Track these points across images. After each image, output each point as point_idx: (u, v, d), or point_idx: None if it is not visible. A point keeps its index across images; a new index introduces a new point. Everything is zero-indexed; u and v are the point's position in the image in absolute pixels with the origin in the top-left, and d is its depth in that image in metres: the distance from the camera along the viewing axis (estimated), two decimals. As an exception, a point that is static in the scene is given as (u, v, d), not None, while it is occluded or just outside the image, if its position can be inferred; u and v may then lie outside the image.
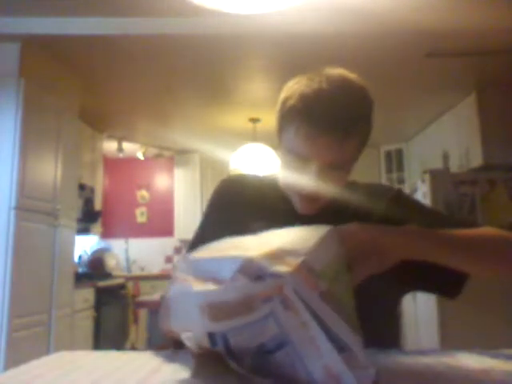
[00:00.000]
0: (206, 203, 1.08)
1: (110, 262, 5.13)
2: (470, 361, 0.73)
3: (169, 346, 0.98)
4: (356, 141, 0.83)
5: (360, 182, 1.02)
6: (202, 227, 1.06)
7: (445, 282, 0.86)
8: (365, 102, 0.84)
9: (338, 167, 0.82)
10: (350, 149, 0.81)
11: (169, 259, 5.91)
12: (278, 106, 0.87)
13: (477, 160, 3.86)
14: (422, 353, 0.80)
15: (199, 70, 3.53)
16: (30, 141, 2.91)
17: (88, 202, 4.63)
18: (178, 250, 5.90)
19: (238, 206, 1.00)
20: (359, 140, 0.84)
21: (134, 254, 5.89)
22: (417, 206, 0.98)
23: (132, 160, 5.96)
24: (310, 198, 0.86)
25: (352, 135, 0.80)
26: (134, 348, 4.64)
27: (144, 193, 6.09)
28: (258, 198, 0.99)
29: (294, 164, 0.85)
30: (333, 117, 0.77)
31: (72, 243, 3.54)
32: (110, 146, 5.39)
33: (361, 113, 0.82)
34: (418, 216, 0.92)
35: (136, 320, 4.80)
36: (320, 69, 0.85)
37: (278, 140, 0.89)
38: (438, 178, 3.68)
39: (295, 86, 0.83)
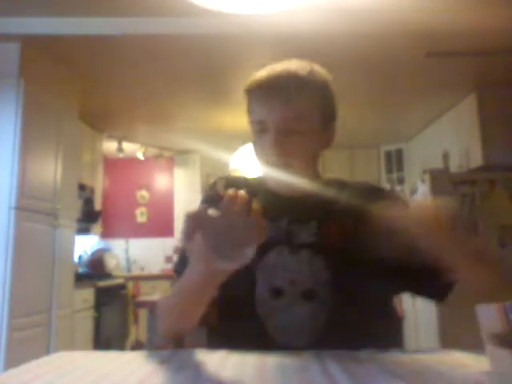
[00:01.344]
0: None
1: (110, 262, 5.12)
2: (470, 361, 0.73)
3: (169, 346, 0.98)
4: (305, 106, 0.92)
5: (348, 180, 1.06)
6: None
7: (434, 286, 0.88)
8: (314, 78, 0.95)
9: (292, 130, 0.91)
10: (299, 111, 0.92)
11: (169, 259, 5.91)
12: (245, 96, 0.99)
13: (477, 160, 3.86)
14: (422, 353, 0.80)
15: (199, 70, 3.53)
16: (30, 141, 2.91)
17: (88, 202, 4.63)
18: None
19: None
20: (315, 110, 0.94)
21: (134, 253, 5.88)
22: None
23: (132, 160, 5.95)
24: (279, 159, 0.93)
25: (297, 98, 0.92)
26: (134, 348, 4.64)
27: (144, 193, 6.09)
28: None
29: (258, 133, 0.96)
30: (279, 84, 0.92)
31: (72, 243, 3.53)
32: (110, 146, 5.39)
33: (306, 85, 0.93)
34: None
35: (136, 320, 4.80)
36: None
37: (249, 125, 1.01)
38: (437, 178, 3.68)
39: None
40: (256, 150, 0.99)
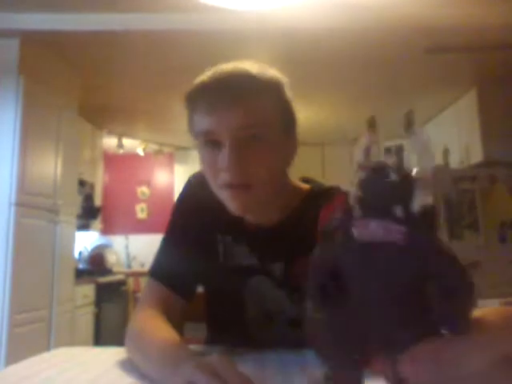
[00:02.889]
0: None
1: (111, 258, 5.13)
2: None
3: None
4: (264, 108, 0.77)
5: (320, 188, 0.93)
6: (172, 235, 1.04)
7: None
8: (268, 77, 0.80)
9: (252, 137, 0.76)
10: (258, 113, 0.76)
11: (169, 255, 5.91)
12: (185, 105, 0.84)
13: (477, 156, 3.85)
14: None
15: (200, 65, 3.49)
16: (29, 137, 2.90)
17: (88, 199, 4.63)
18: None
19: (198, 214, 0.98)
20: (276, 112, 0.79)
21: (134, 250, 5.89)
22: None
23: (132, 156, 5.94)
24: (239, 179, 0.76)
25: (254, 98, 0.76)
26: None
27: (144, 189, 6.09)
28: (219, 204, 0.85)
29: (206, 148, 0.79)
30: (229, 83, 0.76)
31: (72, 239, 3.54)
32: (110, 142, 5.38)
33: (262, 83, 0.78)
34: None
35: (136, 316, 4.80)
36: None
37: (193, 138, 0.85)
38: (437, 173, 3.67)
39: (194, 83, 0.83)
40: (206, 170, 0.81)
